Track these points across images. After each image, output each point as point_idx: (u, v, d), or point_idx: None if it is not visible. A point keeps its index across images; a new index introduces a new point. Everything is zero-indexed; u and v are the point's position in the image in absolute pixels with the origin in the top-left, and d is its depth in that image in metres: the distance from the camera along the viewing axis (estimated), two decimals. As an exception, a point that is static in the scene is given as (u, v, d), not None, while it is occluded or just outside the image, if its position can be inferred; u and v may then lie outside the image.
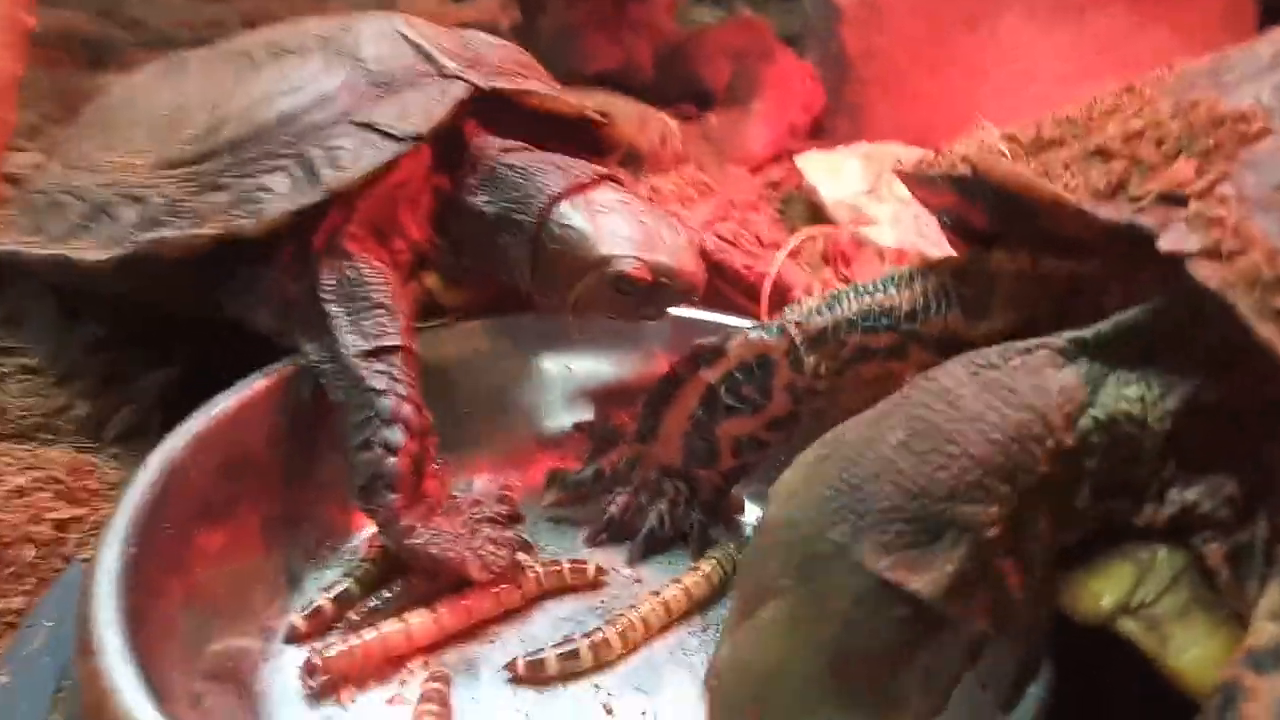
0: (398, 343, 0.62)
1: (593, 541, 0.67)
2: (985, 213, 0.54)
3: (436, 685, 0.56)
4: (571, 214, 0.66)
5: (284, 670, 0.57)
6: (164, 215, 0.67)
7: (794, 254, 0.98)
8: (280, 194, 0.64)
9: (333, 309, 0.63)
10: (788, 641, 0.42)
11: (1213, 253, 0.41)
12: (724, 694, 0.43)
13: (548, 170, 0.68)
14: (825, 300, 0.60)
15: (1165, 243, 0.42)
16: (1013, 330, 0.54)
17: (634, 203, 0.67)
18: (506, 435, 0.73)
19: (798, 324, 0.60)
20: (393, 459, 0.59)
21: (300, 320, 0.65)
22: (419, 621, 0.58)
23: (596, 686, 0.59)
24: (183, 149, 0.69)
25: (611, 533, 0.68)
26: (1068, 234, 0.50)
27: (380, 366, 0.61)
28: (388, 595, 0.60)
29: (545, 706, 0.57)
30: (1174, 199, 0.43)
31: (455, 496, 0.65)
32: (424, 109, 0.67)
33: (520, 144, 0.71)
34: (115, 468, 0.69)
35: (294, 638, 0.58)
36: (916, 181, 0.58)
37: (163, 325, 0.76)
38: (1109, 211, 0.45)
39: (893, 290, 0.58)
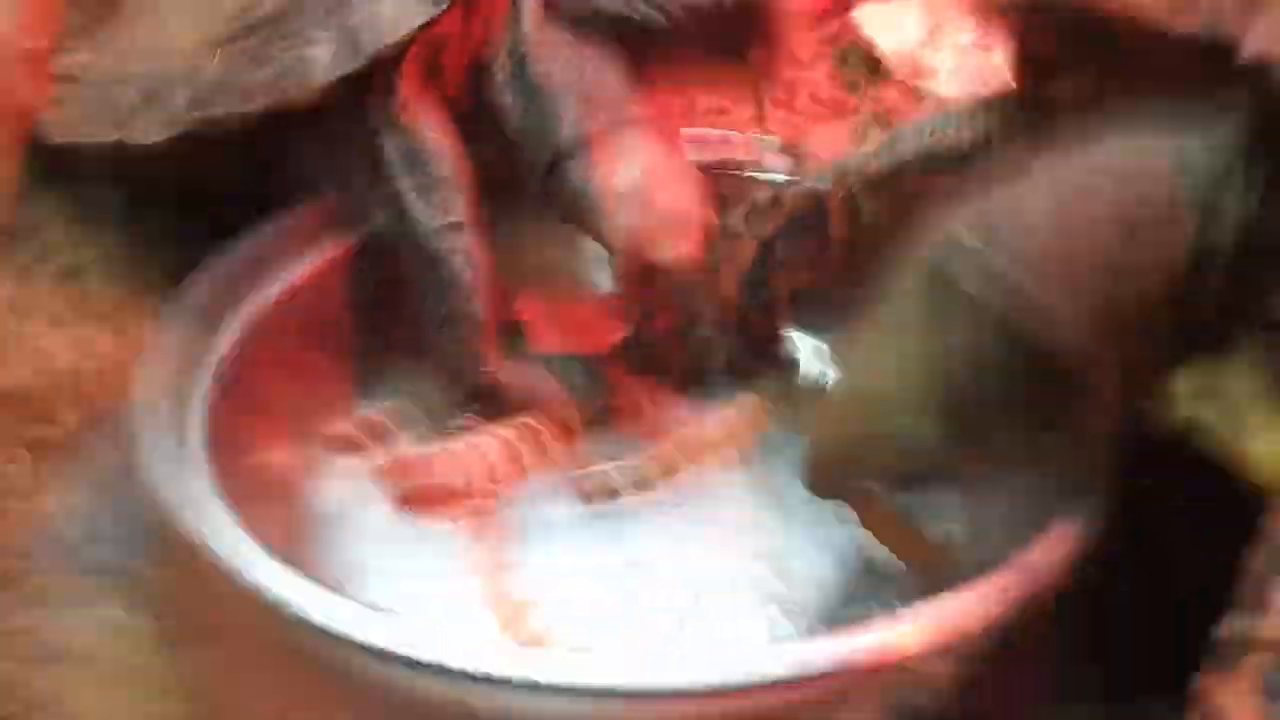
0: (465, 218, 0.62)
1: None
2: (1054, 34, 0.52)
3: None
4: (578, 174, 0.63)
5: (337, 482, 0.60)
6: (213, 93, 0.67)
7: (849, 116, 0.96)
8: (324, 63, 0.64)
9: (399, 184, 0.63)
10: (906, 347, 0.45)
11: (1301, 55, 0.40)
12: (842, 388, 0.49)
13: (570, 103, 0.64)
14: (884, 142, 0.60)
15: (1249, 48, 0.41)
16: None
17: (657, 165, 0.63)
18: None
19: (857, 171, 0.59)
20: (476, 335, 0.61)
21: (366, 193, 0.66)
22: (496, 445, 0.60)
23: (658, 504, 0.59)
24: (225, 26, 0.69)
25: (654, 368, 0.67)
26: (1140, 54, 0.48)
27: (454, 243, 0.62)
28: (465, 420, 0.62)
29: (603, 524, 0.58)
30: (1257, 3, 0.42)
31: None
32: None
33: (562, 37, 0.67)
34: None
35: (340, 445, 0.61)
36: (985, 5, 0.56)
37: (236, 217, 0.77)
38: (1186, 21, 0.43)
39: (952, 129, 0.57)
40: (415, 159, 0.64)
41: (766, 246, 0.62)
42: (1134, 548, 0.47)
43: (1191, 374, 0.44)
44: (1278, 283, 0.43)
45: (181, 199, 0.75)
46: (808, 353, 0.67)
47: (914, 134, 0.58)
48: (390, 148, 0.64)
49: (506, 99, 0.66)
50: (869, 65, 1.01)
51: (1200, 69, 0.46)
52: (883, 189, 0.58)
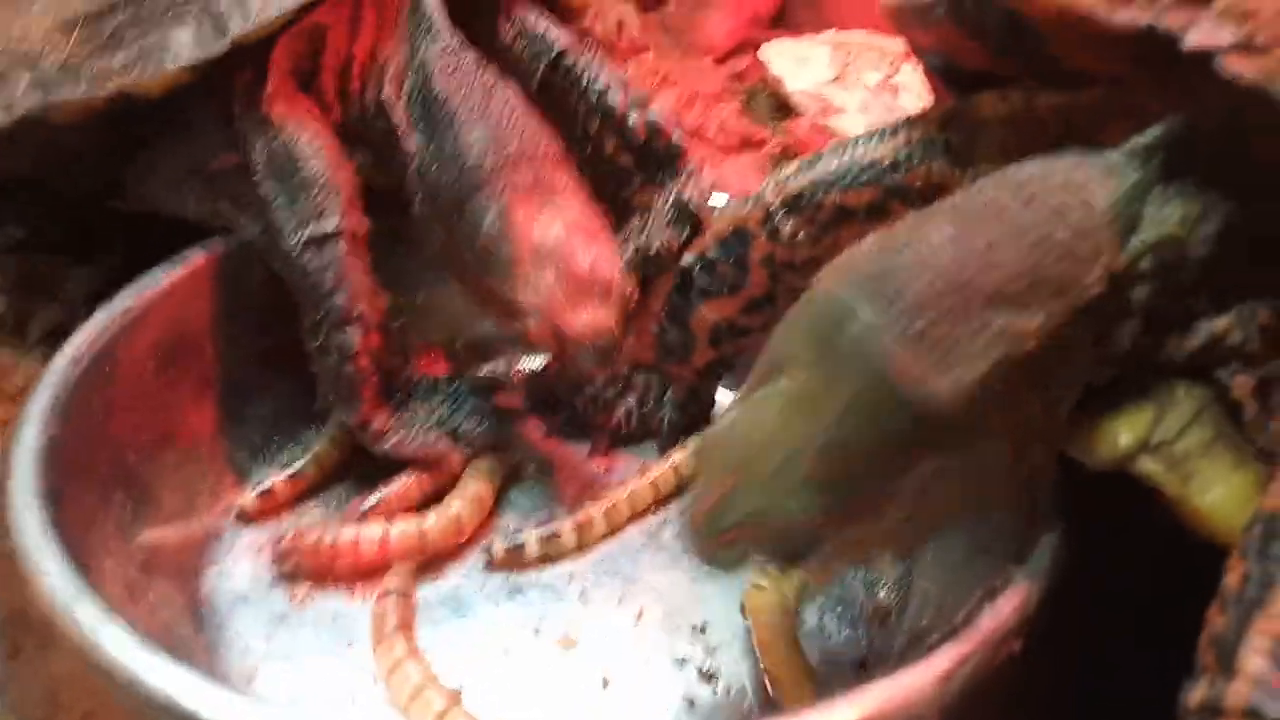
0: (338, 226, 0.55)
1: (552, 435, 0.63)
2: (983, 44, 0.50)
3: (399, 574, 0.52)
4: (494, 225, 0.54)
5: (231, 562, 0.54)
6: (59, 77, 0.60)
7: (756, 149, 0.94)
8: (183, 46, 0.58)
9: (265, 187, 0.57)
10: (786, 416, 0.40)
11: (1247, 46, 0.37)
12: (710, 456, 0.42)
13: (482, 136, 0.56)
14: (804, 161, 0.56)
15: (1191, 39, 0.38)
16: (1003, 179, 0.51)
17: (578, 221, 0.55)
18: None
19: (775, 187, 0.56)
20: (351, 365, 0.55)
21: (232, 196, 0.60)
22: (400, 530, 0.54)
23: (571, 575, 0.55)
24: (80, 6, 0.62)
25: (574, 429, 0.63)
26: (1071, 59, 0.46)
27: (324, 258, 0.55)
28: (379, 494, 0.56)
29: (518, 596, 0.54)
30: (1196, -1, 0.40)
31: (426, 377, 0.60)
32: None
33: (469, 58, 0.59)
34: (41, 367, 0.63)
35: (242, 518, 0.55)
36: (906, 15, 0.54)
37: (88, 226, 0.70)
38: (1125, 16, 0.41)
39: (873, 144, 0.54)
40: (284, 160, 0.57)
41: (685, 274, 0.58)
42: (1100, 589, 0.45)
43: (1133, 424, 0.41)
44: (1241, 319, 0.40)
45: (36, 212, 0.69)
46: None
47: (833, 152, 0.55)
48: (257, 146, 0.58)
49: (403, 121, 0.59)
50: (777, 103, 1.00)
51: (1134, 70, 0.44)
52: (802, 208, 0.55)
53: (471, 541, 0.56)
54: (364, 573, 0.54)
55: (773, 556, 0.43)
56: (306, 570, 0.53)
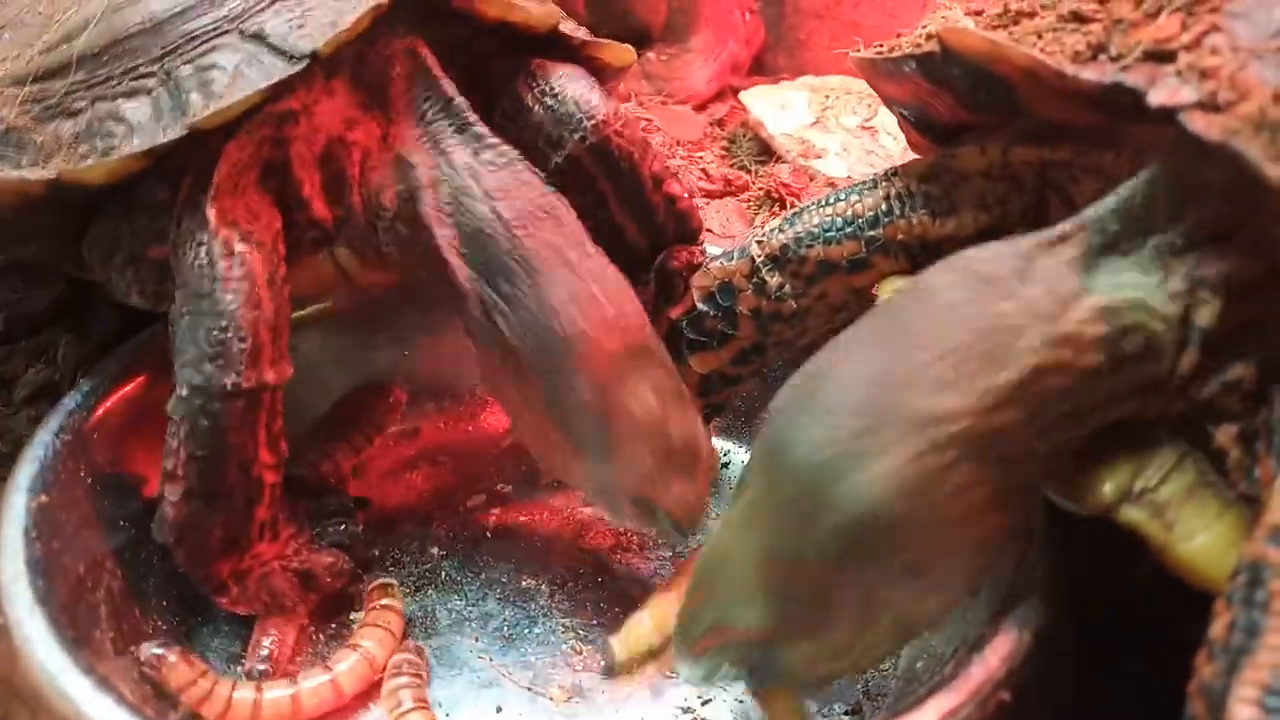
0: (234, 384, 0.48)
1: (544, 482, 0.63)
2: (954, 97, 0.51)
3: (407, 656, 0.52)
4: (592, 398, 0.49)
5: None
6: (1, 146, 0.53)
7: (739, 194, 0.95)
8: (135, 125, 0.51)
9: (179, 298, 0.50)
10: (738, 530, 0.41)
11: (1209, 104, 0.38)
12: (695, 571, 0.43)
13: (560, 284, 0.50)
14: (787, 217, 0.57)
15: (1156, 97, 0.39)
16: (982, 231, 0.52)
17: (667, 386, 0.51)
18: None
19: (759, 243, 0.56)
20: (195, 535, 0.49)
21: (149, 293, 0.54)
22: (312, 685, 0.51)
23: (565, 627, 0.56)
24: (34, 60, 0.54)
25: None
26: (1041, 112, 0.47)
27: (212, 410, 0.48)
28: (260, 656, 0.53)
29: (511, 651, 0.54)
30: (1161, 55, 0.40)
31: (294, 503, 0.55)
32: (330, 16, 0.51)
33: (461, 111, 0.53)
34: (30, 430, 0.63)
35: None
36: (877, 70, 0.55)
37: (79, 293, 0.69)
38: (1091, 73, 0.42)
39: (855, 197, 0.55)
40: (204, 275, 0.49)
41: (674, 327, 0.59)
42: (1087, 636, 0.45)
43: (1116, 473, 0.42)
44: (1225, 382, 0.40)
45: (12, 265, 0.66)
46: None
47: (815, 206, 0.56)
48: (184, 249, 0.50)
49: (450, 251, 0.51)
50: (758, 147, 1.01)
51: (1102, 122, 0.45)
52: (787, 262, 0.56)
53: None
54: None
55: (739, 668, 0.43)
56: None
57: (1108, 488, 0.41)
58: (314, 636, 0.55)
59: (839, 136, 1.00)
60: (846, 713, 0.51)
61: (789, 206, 0.91)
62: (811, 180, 0.95)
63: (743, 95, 1.06)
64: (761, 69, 1.15)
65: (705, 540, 0.44)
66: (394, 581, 0.56)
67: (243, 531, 0.50)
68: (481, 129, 0.53)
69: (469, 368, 0.68)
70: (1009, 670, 0.41)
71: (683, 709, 0.51)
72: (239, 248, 0.50)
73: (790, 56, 1.14)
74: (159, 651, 0.48)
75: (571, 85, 0.58)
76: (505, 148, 0.53)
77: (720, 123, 1.06)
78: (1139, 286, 0.40)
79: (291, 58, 0.50)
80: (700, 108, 1.08)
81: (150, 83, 0.51)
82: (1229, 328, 0.40)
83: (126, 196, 0.53)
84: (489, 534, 0.61)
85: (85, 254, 0.55)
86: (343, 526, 0.55)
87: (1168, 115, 0.39)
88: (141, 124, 0.50)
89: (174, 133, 0.50)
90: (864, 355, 0.40)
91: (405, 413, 0.67)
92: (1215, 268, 0.40)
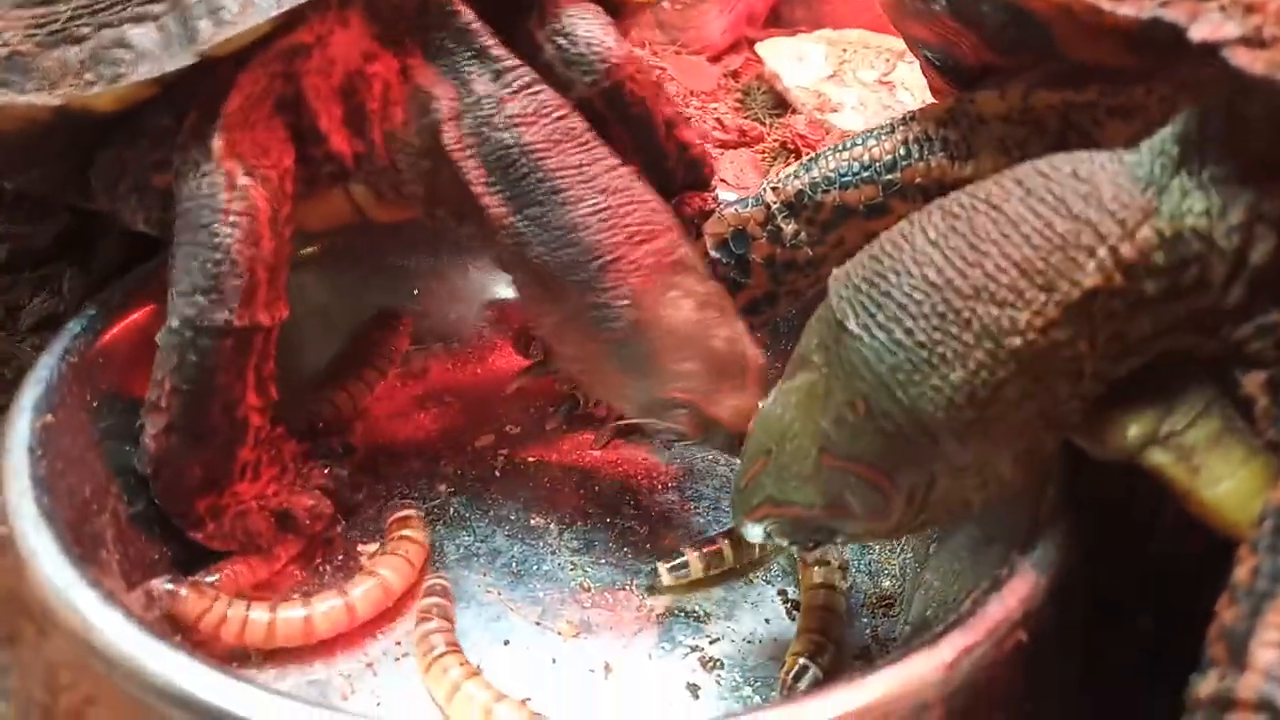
0: (225, 320, 0.47)
1: (558, 427, 0.63)
2: (982, 37, 0.50)
3: (436, 600, 0.51)
4: (627, 314, 0.49)
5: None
6: (3, 71, 0.52)
7: (753, 145, 0.94)
8: (143, 52, 0.49)
9: (177, 228, 0.49)
10: (799, 413, 0.43)
11: (1254, 39, 0.37)
12: (752, 437, 0.46)
13: (584, 200, 0.50)
14: (802, 163, 0.57)
15: (1198, 32, 0.38)
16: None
17: (709, 299, 0.51)
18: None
19: (774, 189, 0.56)
20: (172, 471, 0.49)
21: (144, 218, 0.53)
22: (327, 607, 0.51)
23: (573, 565, 0.56)
24: None
25: (575, 422, 0.63)
26: (1074, 52, 0.46)
27: (201, 346, 0.47)
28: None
29: (519, 587, 0.54)
30: (1203, -12, 0.40)
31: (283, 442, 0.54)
32: None
33: (479, 36, 0.52)
34: (34, 359, 0.62)
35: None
36: (903, 8, 0.54)
37: (85, 223, 0.68)
38: (1129, 8, 0.41)
39: (872, 142, 0.54)
40: (204, 207, 0.48)
41: None
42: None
43: (1142, 416, 0.41)
44: (1260, 326, 0.39)
45: (19, 196, 0.66)
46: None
47: (832, 152, 0.55)
48: (186, 178, 0.49)
49: (477, 181, 0.51)
50: (773, 99, 1.00)
51: (1136, 62, 0.44)
52: (802, 208, 0.55)
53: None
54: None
55: (790, 539, 0.46)
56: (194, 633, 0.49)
57: (1133, 430, 0.41)
58: (320, 568, 0.55)
59: (856, 90, 0.99)
60: (855, 656, 0.51)
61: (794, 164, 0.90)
62: (827, 134, 0.94)
63: (758, 47, 1.04)
64: (778, 20, 1.14)
65: (764, 404, 0.45)
66: (416, 513, 0.56)
67: (223, 470, 0.50)
68: (499, 51, 0.53)
69: (477, 307, 0.69)
70: (1026, 611, 0.40)
71: (691, 647, 0.51)
72: (242, 181, 0.49)
73: (808, 9, 1.12)
74: (169, 587, 0.48)
75: (584, 25, 0.57)
76: (523, 70, 0.52)
77: (735, 74, 1.05)
78: (1202, 214, 0.39)
79: None
80: (715, 59, 1.07)
81: (157, 8, 0.50)
82: (1276, 267, 0.39)
83: (132, 123, 0.52)
84: (497, 473, 0.61)
85: (91, 181, 0.54)
86: (327, 470, 0.55)
87: (1209, 51, 0.38)
88: (149, 51, 0.49)
89: (184, 60, 0.48)
90: (933, 257, 0.40)
91: (413, 353, 0.66)
92: (1274, 202, 0.39)
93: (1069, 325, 0.39)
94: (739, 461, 0.47)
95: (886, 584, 0.54)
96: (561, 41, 0.57)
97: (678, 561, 0.54)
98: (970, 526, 0.46)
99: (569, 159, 0.51)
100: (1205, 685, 0.34)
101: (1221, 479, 0.40)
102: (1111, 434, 0.41)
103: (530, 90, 0.52)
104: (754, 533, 0.46)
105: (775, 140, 0.92)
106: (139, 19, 0.50)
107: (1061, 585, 0.42)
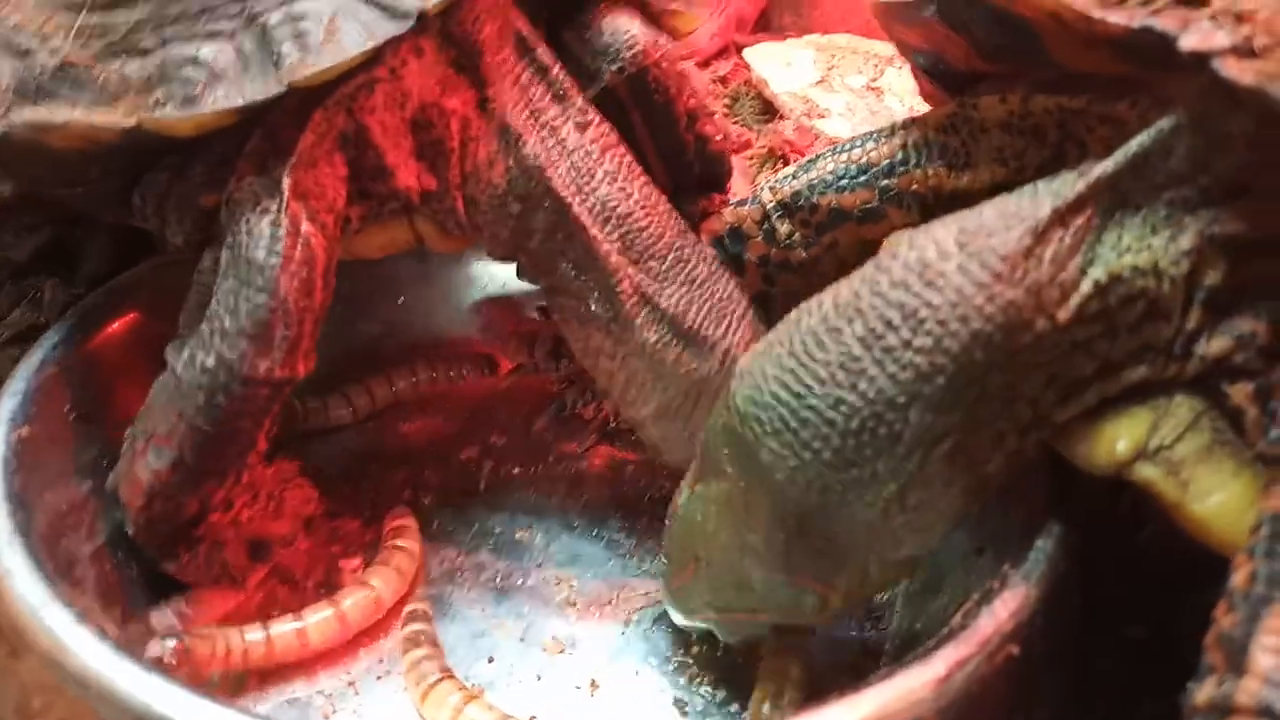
0: (267, 371, 0.45)
1: (546, 429, 0.63)
2: (972, 43, 0.50)
3: (419, 626, 0.50)
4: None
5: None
6: (54, 83, 0.48)
7: (741, 151, 0.94)
8: (218, 74, 0.46)
9: (225, 264, 0.46)
10: (722, 523, 0.42)
11: (1243, 50, 0.37)
12: (674, 541, 0.46)
13: (605, 167, 0.50)
14: (800, 164, 0.56)
15: (1188, 41, 0.38)
16: (997, 184, 0.50)
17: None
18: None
19: (771, 189, 0.55)
20: (167, 506, 0.47)
21: (212, 245, 0.49)
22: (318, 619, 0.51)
23: (558, 579, 0.55)
24: None
25: (564, 424, 0.63)
26: (1063, 59, 0.46)
27: (233, 391, 0.45)
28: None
29: (505, 601, 0.54)
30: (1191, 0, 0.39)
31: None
32: None
33: (559, 79, 0.52)
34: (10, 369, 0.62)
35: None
36: (893, 14, 0.53)
37: (71, 236, 0.68)
38: (1119, 16, 0.40)
39: (870, 145, 0.54)
40: (259, 247, 0.45)
41: None
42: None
43: (1131, 430, 0.41)
44: (1239, 339, 0.39)
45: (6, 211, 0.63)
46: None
47: (830, 154, 0.55)
48: (243, 212, 0.46)
49: (496, 168, 0.51)
50: (761, 105, 1.00)
51: (1126, 70, 0.44)
52: (797, 209, 0.55)
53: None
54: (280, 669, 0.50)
55: (735, 638, 0.47)
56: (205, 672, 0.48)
57: (1122, 445, 0.40)
58: (302, 585, 0.54)
59: (844, 96, 0.98)
60: (845, 669, 0.50)
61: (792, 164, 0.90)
62: (816, 139, 0.93)
63: (746, 52, 1.04)
64: (766, 26, 1.13)
65: (680, 504, 0.45)
66: (410, 523, 0.55)
67: (210, 505, 0.48)
68: (576, 96, 0.52)
69: (464, 314, 0.68)
70: (1018, 624, 0.40)
71: (678, 663, 0.51)
72: (305, 228, 0.46)
73: (796, 14, 1.12)
74: (172, 644, 0.46)
75: (609, 17, 0.56)
76: (599, 120, 0.52)
77: (723, 80, 1.04)
78: (1146, 248, 0.39)
79: (395, 14, 0.46)
80: (703, 64, 1.06)
81: (230, 25, 0.47)
82: (1236, 285, 0.39)
83: (190, 145, 0.49)
84: (482, 485, 0.60)
85: (136, 199, 0.52)
86: (300, 492, 0.54)
87: (1199, 61, 0.38)
88: (225, 72, 0.46)
89: (272, 89, 0.45)
90: (858, 365, 0.39)
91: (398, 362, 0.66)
92: (1229, 224, 0.39)
93: (1000, 403, 0.39)
94: (663, 556, 0.47)
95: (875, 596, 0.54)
96: (587, 33, 0.56)
97: None
98: (960, 537, 0.45)
99: (672, 221, 0.52)
100: (1203, 692, 0.34)
101: (1211, 492, 0.39)
102: (1100, 449, 0.41)
103: (615, 150, 0.52)
104: (697, 629, 0.48)
105: (763, 146, 0.92)
106: (211, 36, 0.47)
107: (1052, 597, 0.42)
